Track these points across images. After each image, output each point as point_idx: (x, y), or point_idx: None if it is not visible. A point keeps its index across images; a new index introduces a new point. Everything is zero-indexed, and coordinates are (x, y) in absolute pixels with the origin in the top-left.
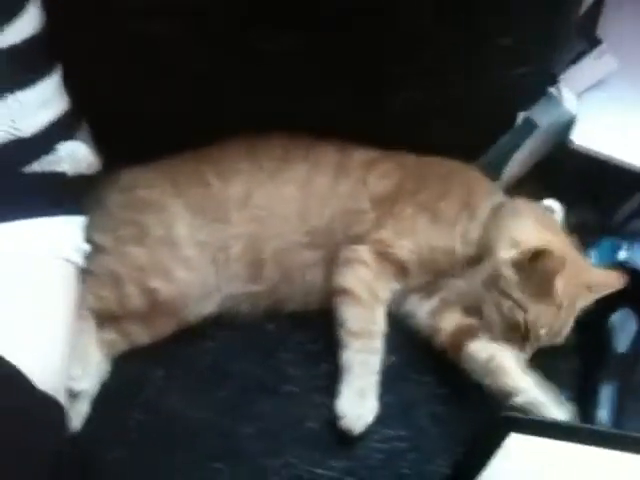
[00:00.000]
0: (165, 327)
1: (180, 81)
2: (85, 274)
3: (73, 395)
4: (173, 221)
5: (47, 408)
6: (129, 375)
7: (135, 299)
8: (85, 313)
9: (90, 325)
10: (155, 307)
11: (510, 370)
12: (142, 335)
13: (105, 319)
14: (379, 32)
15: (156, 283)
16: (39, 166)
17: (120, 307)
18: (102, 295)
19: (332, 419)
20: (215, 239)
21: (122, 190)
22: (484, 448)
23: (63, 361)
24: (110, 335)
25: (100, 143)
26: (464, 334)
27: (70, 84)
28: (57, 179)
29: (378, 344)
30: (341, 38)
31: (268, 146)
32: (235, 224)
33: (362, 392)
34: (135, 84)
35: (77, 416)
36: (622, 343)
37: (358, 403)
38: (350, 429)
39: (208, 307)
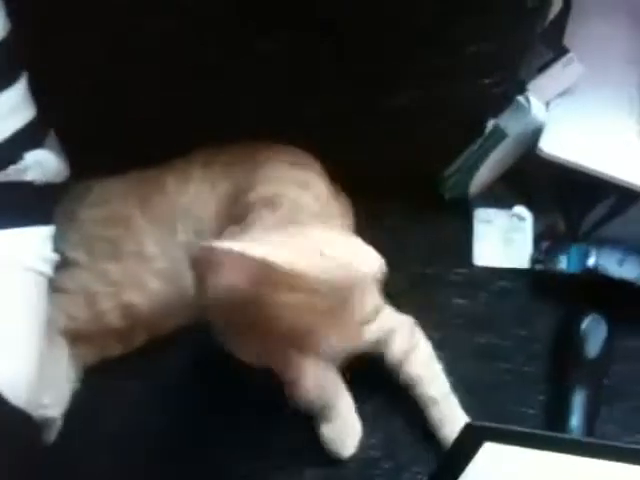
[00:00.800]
0: (139, 338)
1: (169, 85)
2: (56, 293)
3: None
4: (142, 236)
5: (20, 423)
6: (102, 386)
7: (110, 315)
8: (57, 338)
9: (62, 352)
10: (131, 321)
11: None
12: (115, 347)
13: (78, 338)
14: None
15: (131, 297)
16: (5, 175)
17: (95, 325)
18: (75, 315)
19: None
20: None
21: (94, 204)
22: (459, 457)
23: (34, 373)
24: (81, 349)
25: (69, 151)
26: None
27: (39, 91)
28: (24, 188)
29: None
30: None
31: (224, 153)
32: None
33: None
34: (116, 88)
35: (50, 430)
36: (593, 349)
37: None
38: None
39: (185, 317)
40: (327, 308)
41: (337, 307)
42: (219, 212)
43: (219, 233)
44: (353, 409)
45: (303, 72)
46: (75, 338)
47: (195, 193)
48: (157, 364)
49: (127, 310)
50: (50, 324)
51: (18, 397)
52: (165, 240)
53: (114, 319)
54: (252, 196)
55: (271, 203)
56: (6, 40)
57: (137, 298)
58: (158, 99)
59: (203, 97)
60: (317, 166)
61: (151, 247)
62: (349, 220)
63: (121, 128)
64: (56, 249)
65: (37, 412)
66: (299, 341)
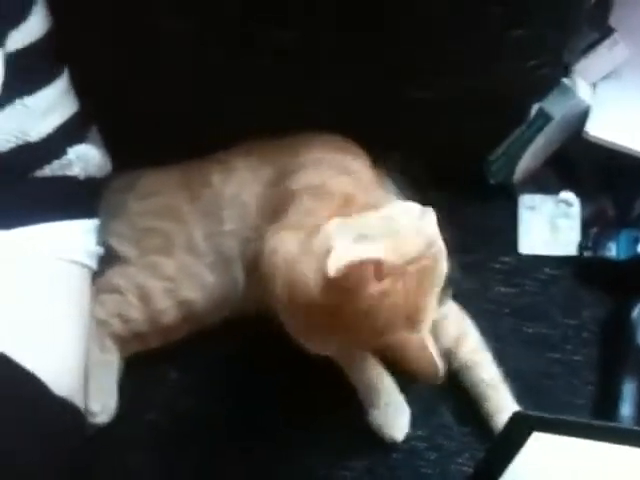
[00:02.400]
0: (183, 332)
1: (188, 79)
2: (106, 293)
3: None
4: (192, 229)
5: (64, 413)
6: (142, 376)
7: (169, 314)
8: (107, 342)
9: (113, 357)
10: (186, 318)
11: None
12: (158, 339)
13: (127, 338)
14: (391, 23)
15: (188, 293)
16: (50, 171)
17: (151, 325)
18: (129, 317)
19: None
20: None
21: (141, 196)
22: (507, 447)
23: (79, 364)
24: (126, 346)
25: (111, 145)
26: None
27: (79, 86)
28: (69, 183)
29: None
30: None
31: (265, 142)
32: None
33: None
34: (140, 84)
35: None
36: None
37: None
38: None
39: (232, 310)
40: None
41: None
42: (260, 195)
43: (260, 216)
44: (397, 391)
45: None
46: (125, 339)
47: (239, 182)
48: (197, 354)
49: (184, 307)
50: (100, 328)
51: (63, 389)
52: (213, 231)
53: (171, 317)
54: (295, 183)
55: (317, 192)
56: (48, 36)
57: (193, 294)
58: (191, 93)
59: (238, 92)
60: (361, 152)
61: (201, 240)
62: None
63: (157, 123)
64: (103, 243)
65: (86, 420)
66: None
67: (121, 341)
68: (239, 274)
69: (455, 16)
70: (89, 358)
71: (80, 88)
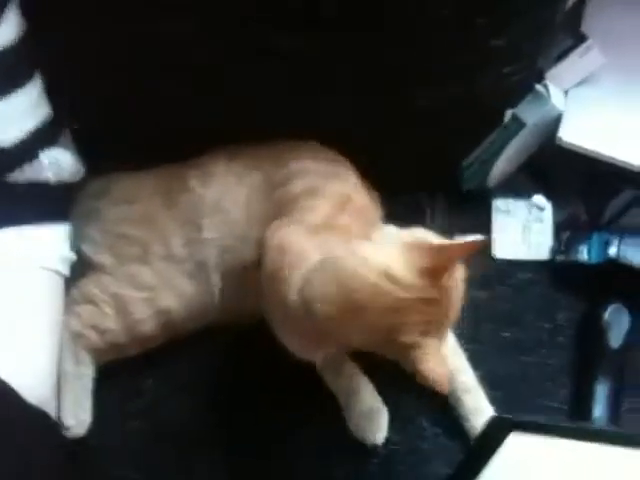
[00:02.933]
0: (160, 340)
1: (179, 83)
2: (81, 305)
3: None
4: (169, 236)
5: (37, 421)
6: (119, 385)
7: (146, 323)
8: (83, 356)
9: (88, 370)
10: (165, 328)
11: None
12: (135, 348)
13: (103, 349)
14: (375, 35)
15: (168, 302)
16: (22, 175)
17: (128, 335)
18: (106, 328)
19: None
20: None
21: (116, 202)
22: (484, 448)
23: (51, 371)
24: (101, 356)
25: (83, 149)
26: None
27: (53, 90)
28: (40, 187)
29: None
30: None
31: (248, 148)
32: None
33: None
34: (129, 88)
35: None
36: (615, 339)
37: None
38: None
39: (208, 320)
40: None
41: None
42: (250, 203)
43: (251, 224)
44: (376, 394)
45: (320, 71)
46: (101, 350)
47: (220, 187)
48: (171, 362)
49: (163, 316)
50: (75, 340)
51: (36, 396)
52: (191, 239)
53: (149, 327)
54: (293, 189)
55: (316, 193)
56: (21, 40)
57: (173, 303)
58: (171, 99)
59: (226, 96)
60: (344, 160)
61: (179, 247)
62: (379, 212)
63: (133, 127)
64: (77, 250)
65: (60, 430)
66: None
67: (97, 352)
68: (216, 283)
69: (442, 26)
70: (63, 370)
71: (51, 91)
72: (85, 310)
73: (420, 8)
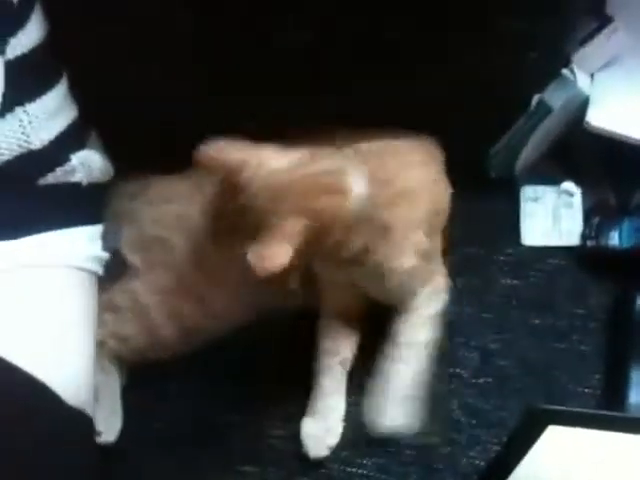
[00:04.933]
0: (183, 347)
1: (189, 80)
2: (106, 313)
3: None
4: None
5: (76, 423)
6: (144, 387)
7: (165, 328)
8: (107, 365)
9: (114, 379)
10: (187, 334)
11: None
12: (157, 353)
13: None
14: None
15: (187, 309)
16: (53, 178)
17: (149, 341)
18: (126, 335)
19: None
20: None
21: (153, 203)
22: (522, 441)
23: (88, 372)
24: (125, 358)
25: (111, 149)
26: None
27: (78, 91)
28: (72, 190)
29: None
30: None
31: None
32: None
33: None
34: (141, 85)
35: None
36: None
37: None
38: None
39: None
40: None
41: None
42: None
43: None
44: (342, 413)
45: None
46: (124, 357)
47: None
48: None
49: (181, 322)
50: (99, 349)
51: (75, 398)
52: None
53: (169, 332)
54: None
55: None
56: (46, 42)
57: (193, 309)
58: (191, 95)
59: (246, 95)
60: None
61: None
62: None
63: (159, 128)
64: (113, 250)
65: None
66: None
67: (121, 359)
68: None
69: (456, 8)
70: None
71: (81, 91)
72: (109, 318)
73: None
